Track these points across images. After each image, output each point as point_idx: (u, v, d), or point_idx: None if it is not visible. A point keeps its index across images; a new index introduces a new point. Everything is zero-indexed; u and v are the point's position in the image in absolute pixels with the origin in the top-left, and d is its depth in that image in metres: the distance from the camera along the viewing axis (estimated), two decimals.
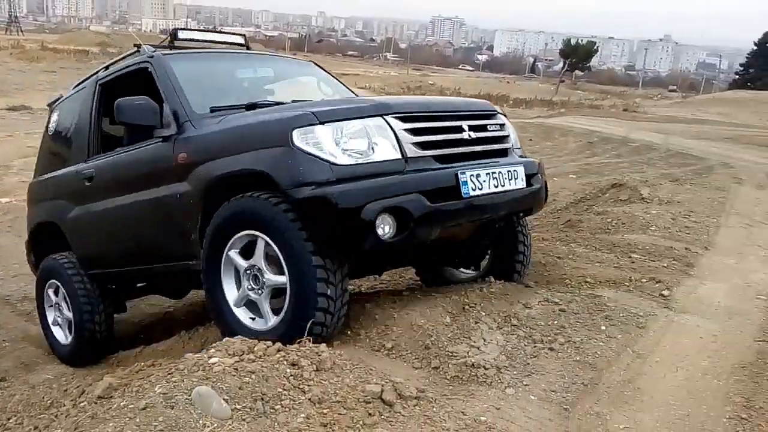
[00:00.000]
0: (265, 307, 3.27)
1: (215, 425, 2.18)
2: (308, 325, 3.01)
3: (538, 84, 70.02)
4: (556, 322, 3.45)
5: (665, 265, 4.68)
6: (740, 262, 5.02)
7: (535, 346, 3.20)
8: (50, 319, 5.28)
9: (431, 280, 4.55)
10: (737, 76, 62.54)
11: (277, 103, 3.94)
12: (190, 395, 2.28)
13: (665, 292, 4.04)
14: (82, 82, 5.25)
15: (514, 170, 3.60)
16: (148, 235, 4.13)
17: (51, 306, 5.28)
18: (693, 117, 28.82)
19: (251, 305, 3.37)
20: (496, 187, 3.43)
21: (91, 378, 4.10)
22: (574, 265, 4.74)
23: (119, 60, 4.98)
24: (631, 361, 3.14)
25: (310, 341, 2.89)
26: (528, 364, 3.05)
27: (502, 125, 3.86)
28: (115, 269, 4.67)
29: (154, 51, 4.41)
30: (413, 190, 3.09)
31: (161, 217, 3.89)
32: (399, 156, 3.18)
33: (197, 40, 5.01)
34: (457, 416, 2.58)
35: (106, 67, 5.01)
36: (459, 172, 3.27)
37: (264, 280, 3.22)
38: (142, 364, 3.19)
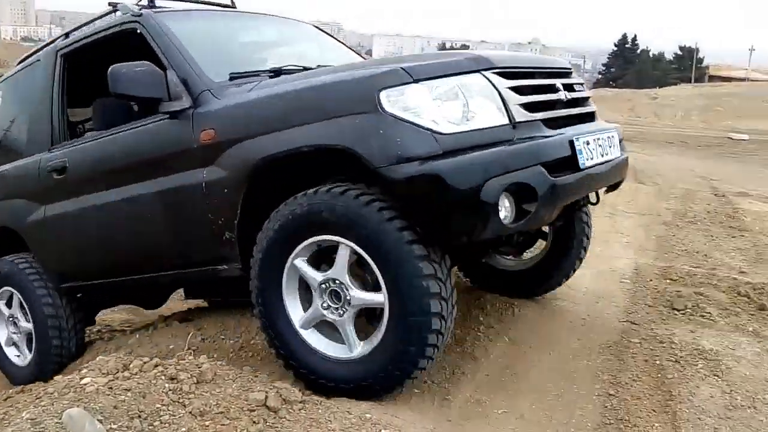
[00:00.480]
0: (350, 330, 2.64)
1: None
2: (420, 351, 2.51)
3: None
4: None
5: None
6: (605, 249, 5.36)
7: None
8: (1, 339, 4.36)
9: (478, 272, 3.99)
10: (600, 76, 66.64)
11: (304, 68, 3.25)
12: (60, 418, 2.17)
13: None
14: (31, 55, 4.40)
15: (612, 136, 3.08)
16: (154, 236, 3.31)
17: (1, 322, 4.38)
18: None
19: (322, 326, 2.77)
20: (602, 156, 2.90)
21: None
22: None
23: (82, 26, 4.14)
24: (507, 348, 3.29)
25: (190, 355, 2.82)
26: None
27: (581, 84, 3.27)
28: (101, 281, 3.83)
29: (140, 9, 3.54)
30: (534, 162, 2.46)
31: (176, 214, 3.14)
32: (507, 121, 2.55)
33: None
34: (342, 416, 2.59)
35: (66, 35, 4.16)
36: (573, 137, 2.68)
37: (349, 297, 2.59)
38: (10, 391, 2.97)
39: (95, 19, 4.01)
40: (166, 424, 2.33)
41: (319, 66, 3.28)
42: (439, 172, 2.34)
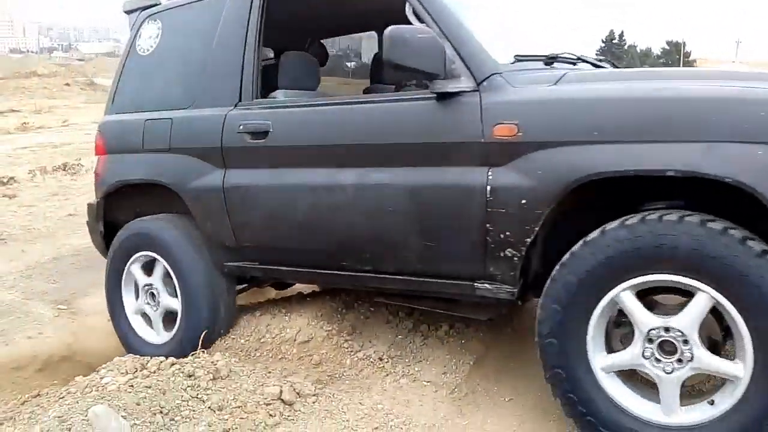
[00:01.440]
0: (675, 393, 2.19)
1: None
2: None
3: None
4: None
5: None
6: None
7: (422, 336, 3.37)
8: (130, 308, 3.73)
9: None
10: None
11: (579, 59, 2.93)
12: (86, 416, 2.24)
13: None
14: None
15: None
16: (393, 232, 2.77)
17: (135, 289, 3.72)
18: None
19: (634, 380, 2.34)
20: None
21: None
22: None
23: None
24: (510, 337, 3.38)
25: (204, 352, 2.90)
26: (418, 352, 3.21)
27: None
28: (291, 268, 3.26)
29: None
30: None
31: (433, 213, 2.63)
32: None
33: None
34: (355, 407, 2.69)
35: None
36: None
37: (690, 356, 2.13)
38: (27, 395, 3.01)
39: None
40: (187, 419, 2.41)
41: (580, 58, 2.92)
42: None
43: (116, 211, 3.82)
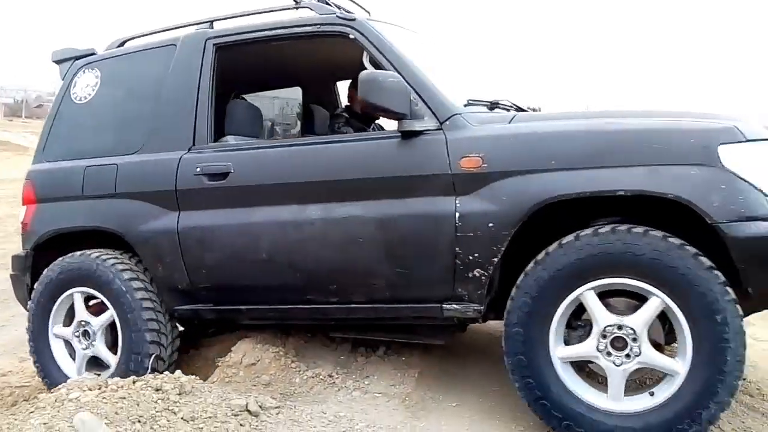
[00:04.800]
0: (618, 384, 2.53)
1: None
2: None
3: None
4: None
5: None
6: None
7: (363, 356, 3.57)
8: (57, 351, 3.63)
9: None
10: None
11: (517, 106, 3.31)
12: (71, 422, 2.25)
13: None
14: (155, 34, 3.81)
15: None
16: (363, 263, 2.96)
17: (64, 325, 3.62)
18: None
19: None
20: None
21: None
22: None
23: (240, 16, 3.57)
24: (444, 355, 3.65)
25: (167, 372, 2.94)
26: (363, 369, 3.41)
27: None
28: (251, 306, 3.33)
29: (348, 14, 3.21)
30: None
31: (404, 242, 2.85)
32: None
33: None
34: (319, 416, 2.83)
35: (210, 24, 3.56)
36: None
37: (639, 351, 2.49)
38: None
39: (261, 12, 3.51)
40: (164, 428, 2.47)
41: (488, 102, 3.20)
42: None
43: (45, 262, 3.67)
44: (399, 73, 2.87)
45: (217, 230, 3.23)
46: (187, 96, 3.42)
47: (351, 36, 3.05)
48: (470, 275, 2.74)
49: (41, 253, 3.70)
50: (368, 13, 3.67)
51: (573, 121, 2.78)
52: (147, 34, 3.84)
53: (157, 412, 2.54)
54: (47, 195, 3.75)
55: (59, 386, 2.75)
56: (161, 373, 3.11)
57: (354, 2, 3.66)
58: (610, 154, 2.54)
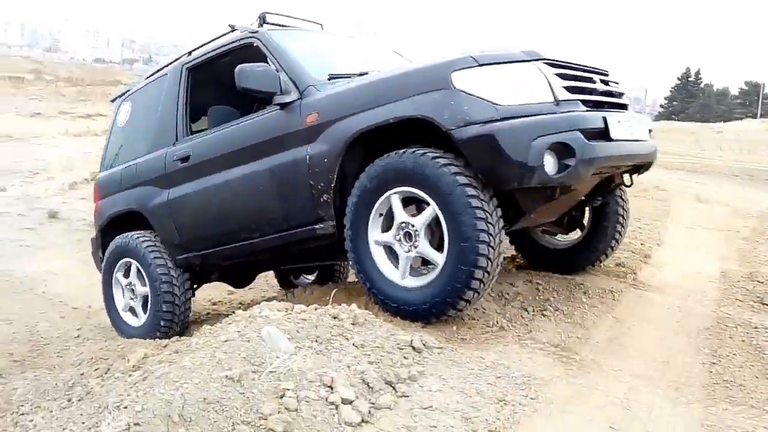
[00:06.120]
0: (404, 265, 3.40)
1: (285, 357, 2.52)
2: (467, 280, 3.14)
3: None
4: (541, 296, 3.92)
5: (626, 256, 5.23)
6: (688, 255, 5.62)
7: (529, 313, 3.65)
8: (120, 306, 5.24)
9: (530, 250, 4.69)
10: (662, 109, 65.54)
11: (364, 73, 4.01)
12: (260, 333, 2.61)
13: (630, 276, 4.57)
14: (159, 71, 5.39)
15: (641, 121, 3.80)
16: (266, 204, 4.05)
17: (121, 288, 5.23)
18: None
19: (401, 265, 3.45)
20: (631, 135, 3.53)
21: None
22: None
23: (202, 46, 5.01)
24: (612, 323, 3.62)
25: (344, 304, 3.25)
26: (527, 325, 3.49)
27: (617, 82, 3.89)
28: (213, 249, 4.58)
29: (256, 28, 4.48)
30: (573, 127, 3.14)
31: (284, 183, 3.88)
32: (552, 98, 3.25)
33: (281, 26, 4.88)
34: (477, 360, 2.98)
35: (189, 53, 5.06)
36: (605, 115, 3.32)
37: (417, 244, 3.33)
38: (178, 337, 3.40)
39: (214, 40, 4.87)
40: (337, 350, 2.76)
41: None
42: (497, 132, 3.09)
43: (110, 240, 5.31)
44: (277, 62, 4.03)
45: (187, 198, 4.57)
46: (172, 106, 4.89)
47: (255, 44, 4.26)
48: (322, 200, 3.71)
49: (107, 234, 5.39)
50: (321, 26, 5.26)
51: (368, 78, 3.70)
52: (162, 68, 5.37)
53: (332, 335, 2.84)
54: (105, 193, 5.47)
55: (253, 307, 3.16)
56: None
57: (305, 20, 5.18)
58: (387, 95, 3.43)
